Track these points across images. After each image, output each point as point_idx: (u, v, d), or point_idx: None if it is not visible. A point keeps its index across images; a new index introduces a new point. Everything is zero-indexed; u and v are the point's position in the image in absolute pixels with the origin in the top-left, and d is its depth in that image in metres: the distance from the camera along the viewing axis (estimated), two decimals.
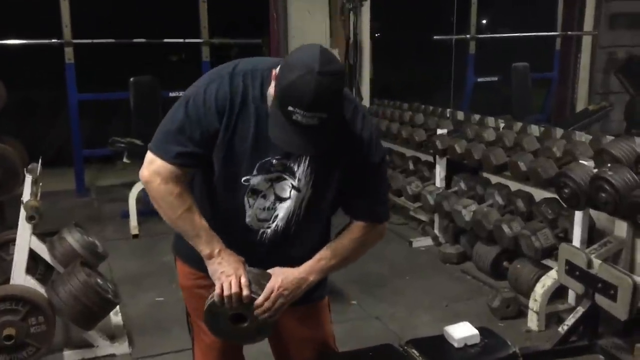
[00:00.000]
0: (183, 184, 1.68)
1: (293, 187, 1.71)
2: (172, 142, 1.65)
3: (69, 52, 5.80)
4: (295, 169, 1.70)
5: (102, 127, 6.75)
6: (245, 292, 1.67)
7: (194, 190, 1.80)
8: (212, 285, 1.78)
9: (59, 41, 5.81)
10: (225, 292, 1.66)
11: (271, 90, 1.59)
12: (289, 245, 1.79)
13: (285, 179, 1.71)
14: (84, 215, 5.54)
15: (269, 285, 1.71)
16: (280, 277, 1.73)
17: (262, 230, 1.76)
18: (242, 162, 1.68)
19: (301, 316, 1.93)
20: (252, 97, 1.65)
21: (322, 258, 1.78)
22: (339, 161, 1.71)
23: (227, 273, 1.67)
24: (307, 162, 1.69)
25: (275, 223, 1.75)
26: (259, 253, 1.78)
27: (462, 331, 2.17)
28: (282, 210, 1.73)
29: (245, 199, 1.72)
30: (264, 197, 1.72)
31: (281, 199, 1.73)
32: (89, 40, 6.04)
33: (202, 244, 1.70)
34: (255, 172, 1.69)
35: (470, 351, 2.13)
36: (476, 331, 2.18)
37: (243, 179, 1.69)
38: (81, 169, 6.25)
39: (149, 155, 1.68)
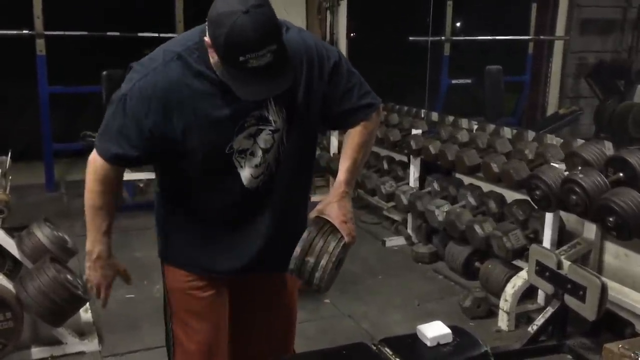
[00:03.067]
0: (111, 183, 1.76)
1: (272, 132, 1.71)
2: (111, 142, 1.68)
3: (40, 43, 5.69)
4: (267, 115, 1.68)
5: (74, 121, 6.63)
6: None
7: (173, 183, 1.81)
8: (208, 284, 1.85)
9: (30, 32, 5.69)
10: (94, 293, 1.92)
11: (214, 57, 1.55)
12: (282, 186, 1.78)
13: (263, 129, 1.69)
14: (53, 210, 5.43)
15: (338, 222, 1.71)
16: (335, 208, 1.73)
17: (260, 183, 1.75)
18: (220, 135, 1.66)
19: (278, 285, 1.97)
20: (199, 73, 1.61)
21: (344, 168, 1.80)
22: (300, 82, 1.69)
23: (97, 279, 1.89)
24: (272, 102, 1.68)
25: (268, 169, 1.74)
26: (257, 206, 1.78)
27: (434, 330, 2.18)
28: (270, 157, 1.73)
29: (235, 161, 1.70)
30: (252, 154, 1.70)
31: (268, 150, 1.72)
32: (61, 32, 5.92)
33: (89, 240, 1.85)
34: (234, 136, 1.67)
35: (442, 350, 2.13)
36: (449, 330, 2.18)
37: (226, 148, 1.68)
38: (51, 164, 6.13)
39: (93, 154, 1.74)
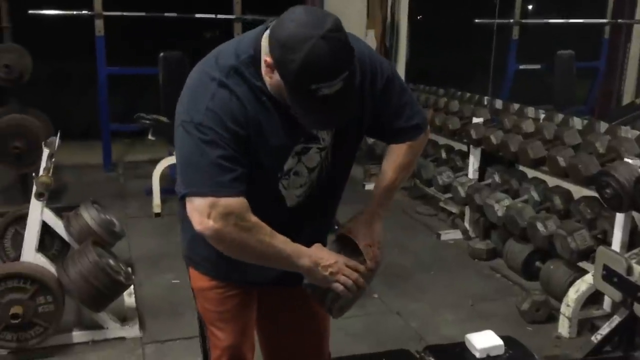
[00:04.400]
0: (250, 218, 1.47)
1: (320, 149, 1.61)
2: (216, 173, 1.42)
3: (99, 24, 5.74)
4: (316, 133, 1.58)
5: (133, 102, 6.70)
6: (361, 268, 1.59)
7: None
8: (231, 287, 1.73)
9: (89, 13, 5.74)
10: (349, 284, 1.56)
11: (274, 80, 1.41)
12: (322, 203, 1.71)
13: (310, 147, 1.59)
14: (108, 190, 5.51)
15: (364, 245, 1.63)
16: (363, 230, 1.65)
17: (301, 202, 1.66)
18: (276, 159, 1.55)
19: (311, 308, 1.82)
20: (258, 90, 1.46)
21: (381, 191, 1.72)
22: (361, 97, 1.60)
23: (334, 269, 1.56)
24: None
25: (310, 188, 1.65)
26: (293, 220, 1.66)
27: (485, 340, 2.03)
28: (314, 176, 1.64)
29: (280, 185, 1.60)
30: (296, 174, 1.60)
31: (312, 169, 1.62)
32: (120, 13, 5.96)
33: (296, 260, 1.53)
34: (289, 159, 1.57)
35: None
36: (500, 341, 2.03)
37: (279, 173, 1.57)
38: (108, 144, 6.21)
39: (200, 203, 1.43)
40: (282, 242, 1.52)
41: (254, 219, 1.47)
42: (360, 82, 1.47)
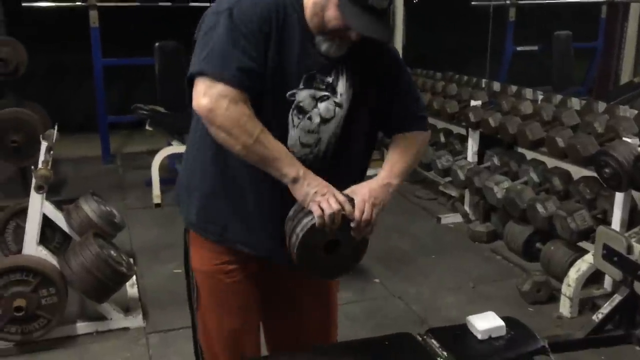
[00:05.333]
0: (249, 104, 1.49)
1: (336, 104, 1.63)
2: (229, 60, 1.46)
3: (93, 15, 5.70)
4: (336, 85, 1.62)
5: (129, 94, 6.68)
6: (347, 207, 1.52)
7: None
8: (237, 268, 1.71)
9: (83, 4, 5.70)
10: (327, 211, 1.48)
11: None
12: (331, 174, 1.63)
13: (328, 97, 1.62)
14: (107, 182, 5.51)
15: (359, 199, 1.56)
16: (365, 188, 1.60)
17: (304, 157, 1.62)
18: (289, 74, 1.56)
19: (315, 291, 1.85)
20: (290, 4, 1.57)
21: (395, 162, 1.69)
22: (375, 74, 1.68)
23: (321, 192, 1.51)
24: (346, 76, 1.63)
25: (317, 147, 1.64)
26: None
27: (486, 322, 2.02)
28: (325, 132, 1.64)
29: (290, 117, 1.59)
30: (310, 118, 1.61)
31: (326, 120, 1.63)
32: (114, 4, 5.91)
33: (285, 166, 1.51)
34: (302, 85, 1.58)
35: (494, 344, 1.97)
36: (502, 322, 2.02)
37: (289, 93, 1.57)
38: (106, 136, 6.20)
39: (203, 82, 1.47)
40: (274, 143, 1.50)
41: (249, 110, 1.48)
42: (387, 60, 1.70)
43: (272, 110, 1.57)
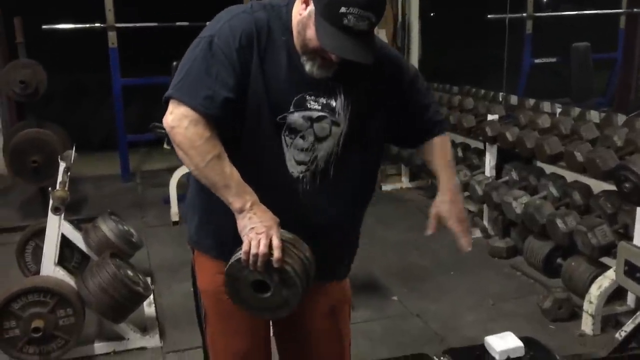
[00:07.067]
0: (213, 129, 1.51)
1: (333, 122, 1.63)
2: (198, 86, 1.50)
3: (112, 36, 5.77)
4: (333, 104, 1.62)
5: (147, 112, 6.74)
6: (276, 254, 1.48)
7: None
8: None
9: (102, 25, 5.78)
10: (252, 250, 1.47)
11: (303, 16, 1.51)
12: (329, 194, 1.67)
13: (324, 117, 1.61)
14: (127, 200, 5.55)
15: (460, 218, 1.82)
16: (455, 205, 1.82)
17: (301, 176, 1.64)
18: (276, 98, 1.57)
19: (325, 310, 1.84)
20: (278, 28, 1.57)
21: (446, 167, 1.84)
22: (374, 89, 1.67)
23: (257, 230, 1.49)
24: (342, 95, 1.62)
25: (314, 164, 1.64)
26: (298, 205, 1.64)
27: (504, 342, 1.99)
28: (322, 150, 1.64)
29: (282, 137, 1.61)
30: (303, 137, 1.62)
31: (320, 139, 1.63)
32: (132, 25, 6.00)
33: (232, 196, 1.51)
34: (292, 109, 1.59)
35: None
36: (520, 343, 1.99)
37: (279, 117, 1.58)
38: (125, 154, 6.25)
39: (172, 103, 1.52)
40: (226, 170, 1.51)
41: (208, 133, 1.49)
42: (389, 77, 1.66)
43: (264, 132, 1.59)
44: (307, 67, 1.55)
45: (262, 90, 1.55)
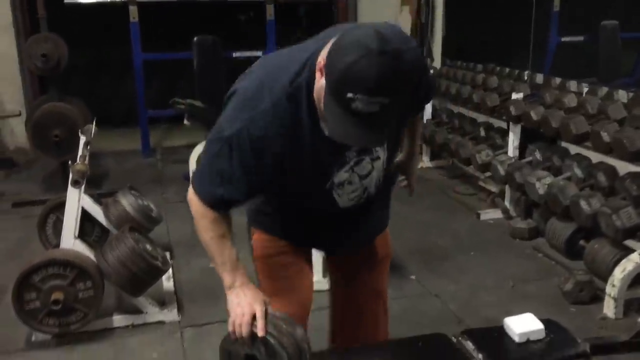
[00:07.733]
0: (223, 220, 1.65)
1: (372, 159, 1.70)
2: (213, 184, 1.58)
3: (133, 10, 5.76)
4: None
5: (169, 88, 6.74)
6: (259, 324, 1.58)
7: (271, 202, 1.83)
8: (296, 249, 1.89)
9: (123, 0, 5.76)
10: (237, 321, 1.59)
11: (319, 85, 1.40)
12: (377, 199, 1.85)
13: (363, 159, 1.68)
14: (147, 176, 5.58)
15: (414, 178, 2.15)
16: (413, 169, 2.16)
17: (356, 203, 1.77)
18: (320, 173, 1.65)
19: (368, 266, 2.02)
20: (304, 114, 1.50)
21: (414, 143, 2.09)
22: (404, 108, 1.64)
23: (241, 311, 1.59)
24: None
25: (367, 192, 1.76)
26: (344, 221, 1.83)
27: (524, 324, 1.95)
28: (369, 181, 1.74)
29: (334, 195, 1.71)
30: (350, 183, 1.70)
31: (364, 176, 1.72)
32: None
33: (225, 273, 1.66)
34: (335, 172, 1.66)
35: (532, 347, 1.91)
36: (541, 325, 1.95)
37: (327, 185, 1.67)
38: (146, 130, 6.27)
39: (192, 191, 1.65)
40: (224, 250, 1.64)
41: (214, 215, 1.61)
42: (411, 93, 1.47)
43: (313, 195, 1.71)
44: (327, 132, 1.44)
45: (300, 168, 1.60)
